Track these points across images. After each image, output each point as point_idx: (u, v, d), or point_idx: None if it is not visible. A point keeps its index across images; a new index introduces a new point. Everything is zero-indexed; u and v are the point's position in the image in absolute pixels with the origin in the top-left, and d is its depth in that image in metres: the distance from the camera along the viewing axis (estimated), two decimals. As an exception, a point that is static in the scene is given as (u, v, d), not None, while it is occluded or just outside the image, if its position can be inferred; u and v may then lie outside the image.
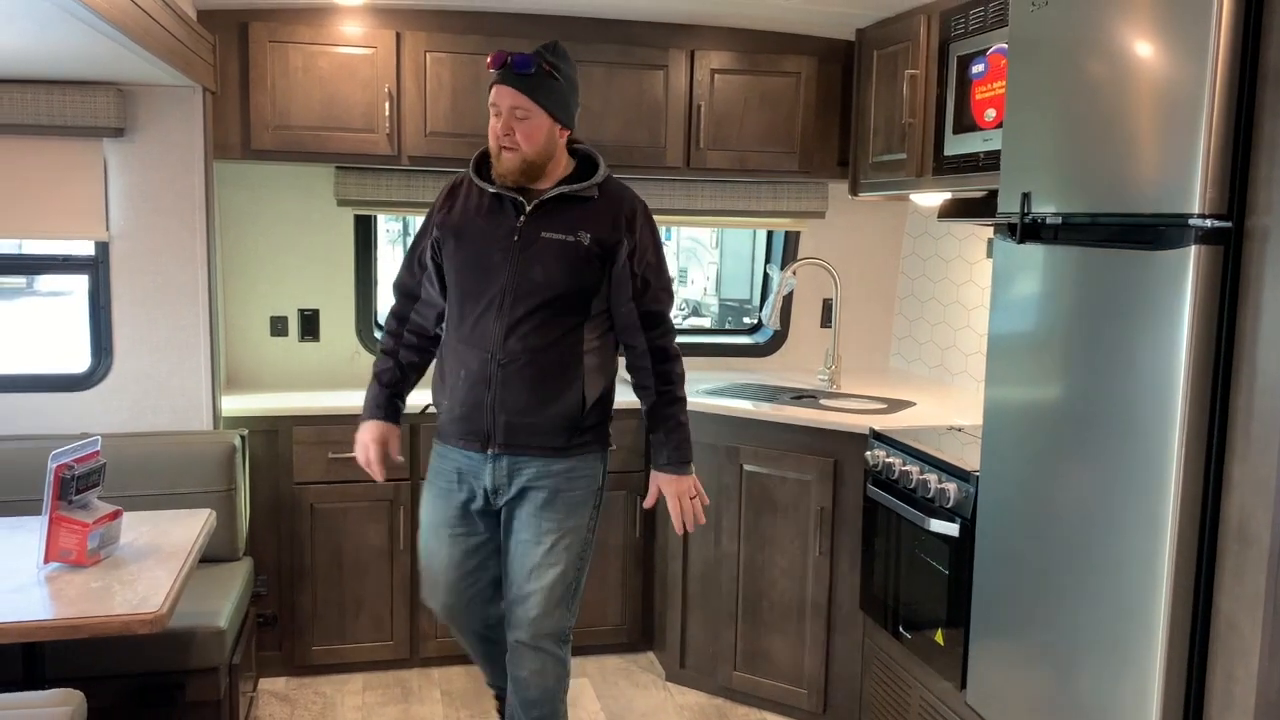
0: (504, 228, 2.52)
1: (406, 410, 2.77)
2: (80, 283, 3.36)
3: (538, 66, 2.45)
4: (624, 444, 3.69)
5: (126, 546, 2.47)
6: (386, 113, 3.45)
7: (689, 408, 3.44)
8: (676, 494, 2.63)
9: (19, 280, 13.55)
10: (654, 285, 2.60)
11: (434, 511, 2.67)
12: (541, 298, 2.48)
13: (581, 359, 2.54)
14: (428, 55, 3.48)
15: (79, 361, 3.40)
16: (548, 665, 2.60)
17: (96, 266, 3.31)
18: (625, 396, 3.75)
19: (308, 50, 3.41)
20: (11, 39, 2.44)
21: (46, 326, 10.87)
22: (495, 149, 2.50)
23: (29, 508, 2.86)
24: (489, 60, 2.49)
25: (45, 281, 13.01)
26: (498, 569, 2.67)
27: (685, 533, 2.67)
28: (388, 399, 2.69)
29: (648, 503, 2.69)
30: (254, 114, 3.41)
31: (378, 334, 3.93)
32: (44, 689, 2.16)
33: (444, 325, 2.66)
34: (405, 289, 2.72)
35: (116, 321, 3.31)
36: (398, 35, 3.45)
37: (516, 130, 2.45)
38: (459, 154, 3.36)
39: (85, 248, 3.32)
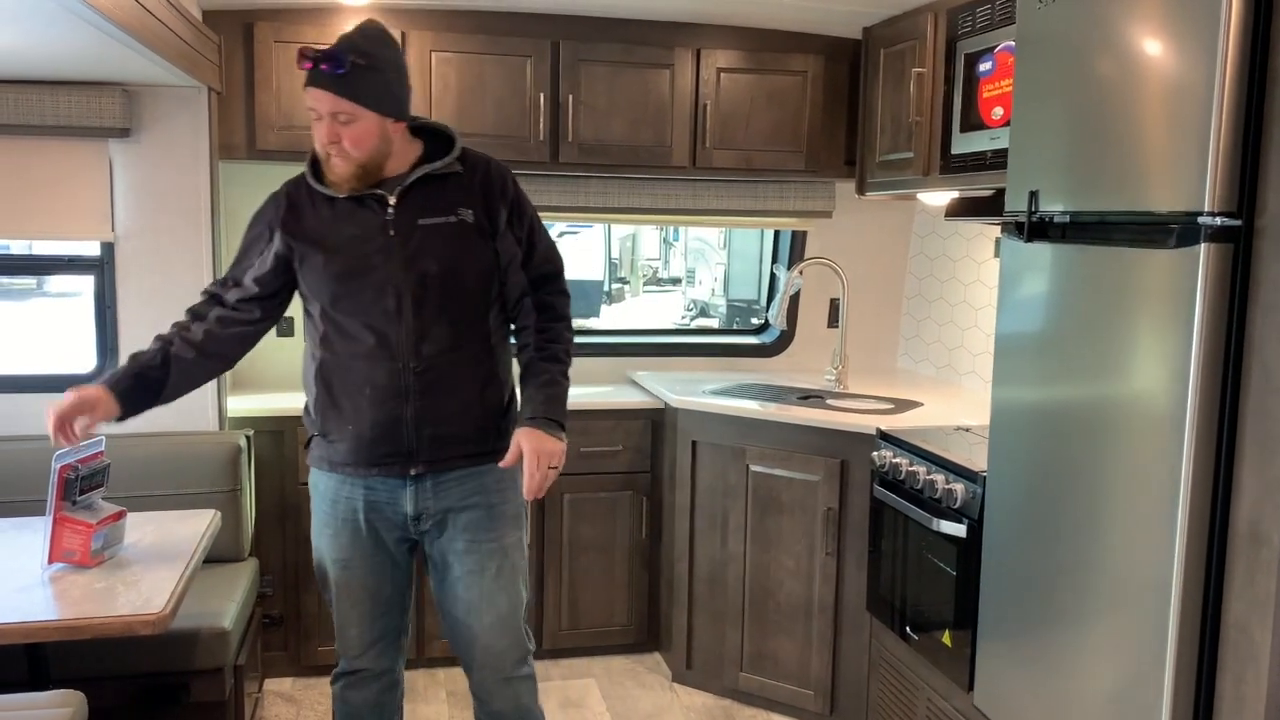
0: (373, 225, 2.23)
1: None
2: (86, 282, 3.36)
3: (351, 64, 2.14)
4: (630, 444, 3.69)
5: (131, 547, 2.47)
6: (392, 112, 3.44)
7: (692, 407, 3.47)
8: (536, 451, 2.18)
9: (29, 281, 13.62)
10: (540, 246, 2.36)
11: (337, 546, 2.36)
12: (443, 290, 2.23)
13: (493, 352, 2.33)
14: (433, 55, 3.48)
15: (86, 362, 3.41)
16: (521, 690, 2.42)
17: (102, 267, 3.31)
18: (632, 396, 3.78)
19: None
20: (17, 39, 2.44)
21: (55, 327, 10.90)
22: (324, 155, 2.22)
23: (35, 508, 2.85)
24: (297, 59, 2.20)
25: (55, 283, 13.08)
26: (410, 596, 2.46)
27: (538, 499, 2.35)
28: (126, 375, 2.26)
29: (505, 462, 2.22)
30: (259, 114, 3.41)
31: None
32: (48, 690, 2.16)
33: (311, 348, 2.35)
34: (215, 300, 2.38)
35: (122, 322, 3.31)
36: (403, 35, 3.44)
37: (343, 136, 2.17)
38: (464, 154, 3.36)
39: (91, 248, 3.33)
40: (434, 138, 2.34)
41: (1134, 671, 1.98)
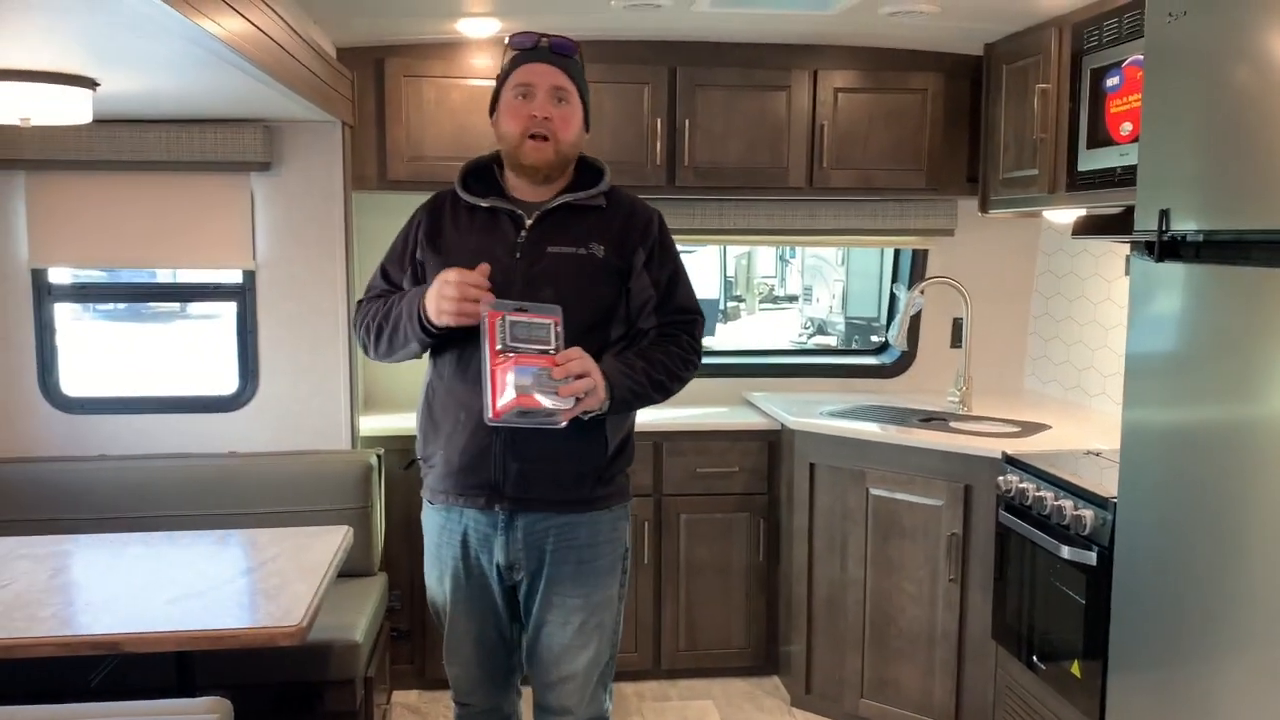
0: (503, 245, 2.18)
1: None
2: (227, 306, 3.55)
3: (578, 52, 2.16)
4: (747, 465, 3.69)
5: (275, 560, 2.58)
6: (514, 141, 3.54)
7: (810, 429, 3.45)
8: (585, 365, 2.03)
9: (173, 305, 14.36)
10: (678, 296, 2.25)
11: (442, 592, 2.34)
12: None
13: None
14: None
15: (226, 381, 3.59)
16: None
17: (244, 294, 3.49)
18: (748, 417, 3.78)
19: (440, 83, 3.54)
20: (170, 83, 2.61)
21: (197, 348, 11.47)
22: (519, 139, 2.15)
23: (181, 523, 3.03)
24: (513, 38, 2.17)
25: (196, 305, 13.76)
26: (518, 637, 2.36)
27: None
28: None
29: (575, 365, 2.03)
30: (390, 146, 3.55)
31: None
32: (195, 696, 2.28)
33: (426, 368, 2.33)
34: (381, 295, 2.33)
35: (262, 346, 3.48)
36: (525, 66, 3.54)
37: (555, 116, 2.13)
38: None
39: (233, 276, 3.51)
40: (587, 170, 2.29)
41: None
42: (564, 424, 2.05)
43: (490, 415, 2.03)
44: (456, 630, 2.34)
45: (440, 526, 2.31)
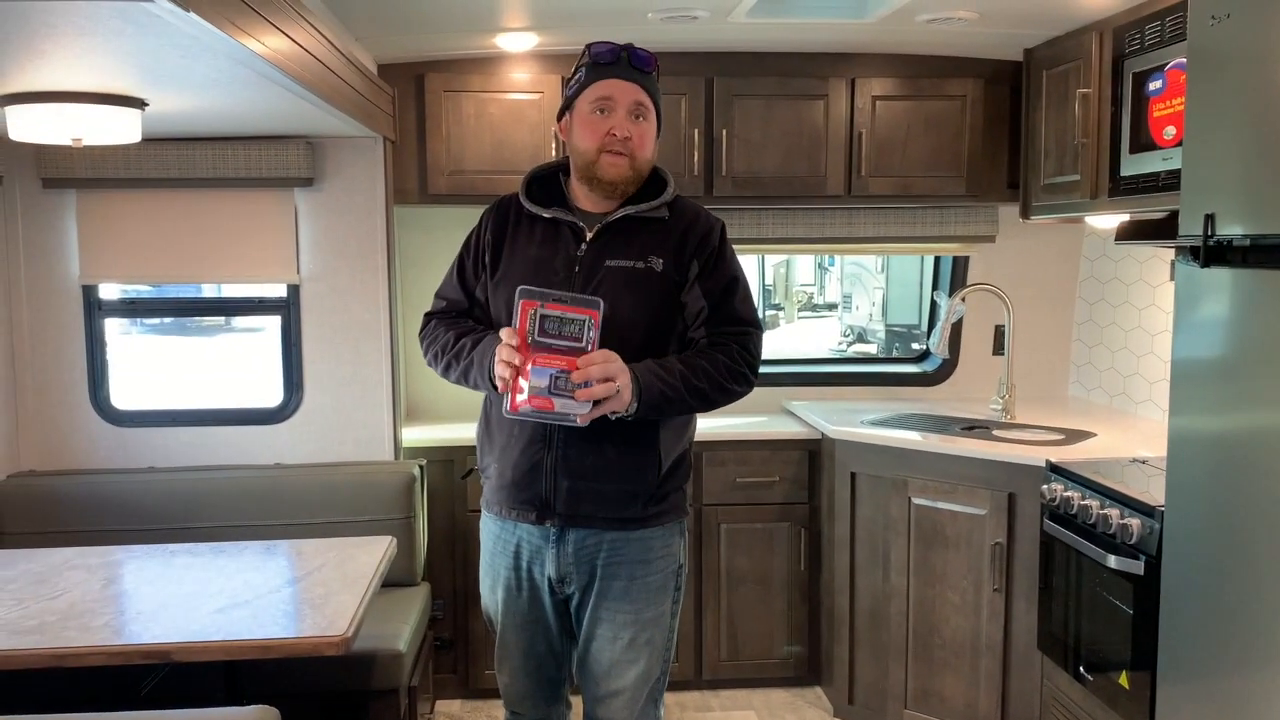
0: (561, 257, 2.16)
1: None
2: (272, 320, 3.61)
3: (655, 67, 2.13)
4: (787, 475, 3.67)
5: (320, 570, 2.61)
6: (552, 154, 3.57)
7: (850, 438, 3.44)
8: (607, 369, 1.99)
9: (218, 319, 14.60)
10: (733, 309, 2.19)
11: (494, 601, 2.33)
12: (610, 336, 2.04)
13: None
14: (591, 96, 3.59)
15: (271, 394, 3.64)
16: None
17: (288, 308, 3.54)
18: (788, 426, 3.77)
19: (479, 98, 3.57)
20: (217, 101, 2.66)
21: (241, 361, 11.62)
22: (595, 154, 2.12)
23: (228, 533, 3.08)
24: (592, 48, 2.13)
25: (240, 318, 13.99)
26: (569, 649, 2.34)
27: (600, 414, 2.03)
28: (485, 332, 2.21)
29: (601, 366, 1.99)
30: (430, 160, 3.59)
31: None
32: (242, 705, 2.31)
33: None
34: (452, 313, 2.33)
35: (306, 359, 3.53)
36: (563, 80, 3.56)
37: (634, 132, 2.11)
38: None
39: (278, 290, 3.56)
40: (652, 180, 2.23)
41: (1334, 722, 1.85)
42: (583, 424, 2.03)
43: (508, 409, 2.03)
44: (507, 640, 2.34)
45: (495, 536, 2.31)
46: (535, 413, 2.02)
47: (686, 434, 2.29)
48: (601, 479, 2.15)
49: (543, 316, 2.02)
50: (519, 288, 2.03)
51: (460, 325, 2.28)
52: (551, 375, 2.00)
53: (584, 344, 2.03)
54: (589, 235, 2.18)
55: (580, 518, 2.18)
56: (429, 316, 2.37)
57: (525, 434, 2.15)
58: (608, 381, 2.00)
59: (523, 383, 2.01)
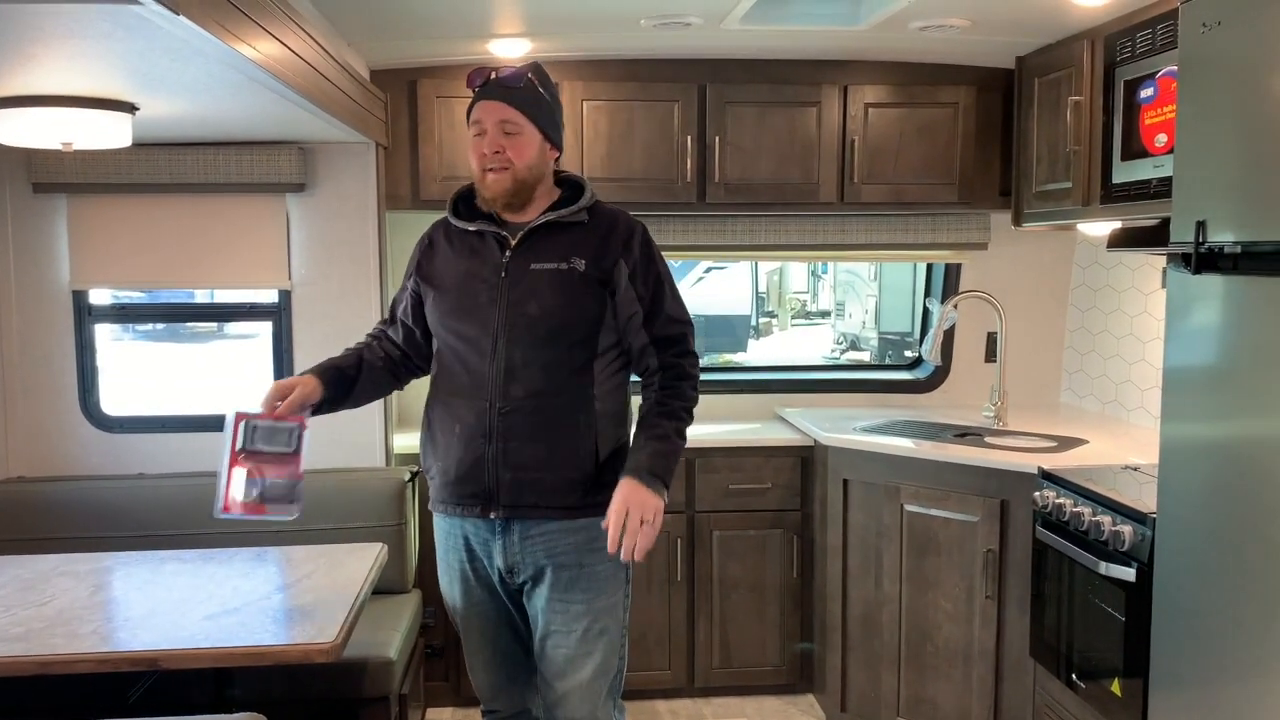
0: (489, 265, 2.31)
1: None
2: (263, 326, 3.59)
3: (525, 81, 2.28)
4: (780, 482, 3.67)
5: (310, 577, 2.60)
6: (545, 160, 3.56)
7: (843, 444, 3.44)
8: (626, 501, 2.15)
9: (210, 325, 14.57)
10: (665, 310, 2.34)
11: (452, 596, 2.43)
12: (541, 334, 2.25)
13: (592, 403, 2.29)
14: (584, 104, 3.59)
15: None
16: None
17: (280, 313, 3.53)
18: (780, 433, 3.77)
19: (472, 103, 3.56)
20: (207, 106, 2.66)
21: (234, 367, 11.59)
22: (479, 173, 2.29)
23: (218, 540, 3.05)
24: (468, 79, 2.31)
25: (233, 324, 13.96)
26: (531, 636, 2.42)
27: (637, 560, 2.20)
28: (321, 371, 2.38)
29: (608, 523, 2.17)
30: (422, 166, 3.59)
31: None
32: (231, 712, 2.30)
33: (431, 384, 2.42)
34: (386, 335, 2.53)
35: (298, 365, 3.51)
36: (556, 85, 3.56)
37: (506, 147, 2.25)
38: (615, 198, 3.42)
39: (269, 296, 3.55)
40: (571, 188, 2.40)
41: (1326, 730, 1.85)
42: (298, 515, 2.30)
43: (221, 508, 2.26)
44: (472, 636, 2.43)
45: (445, 533, 2.41)
46: (246, 516, 2.29)
47: (622, 426, 2.38)
48: (542, 469, 2.26)
49: (253, 428, 2.28)
50: (233, 409, 2.28)
51: (351, 348, 2.50)
52: (262, 484, 2.28)
53: (292, 450, 2.29)
54: (513, 243, 2.31)
55: (523, 507, 2.27)
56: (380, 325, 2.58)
57: (466, 431, 2.28)
58: (646, 527, 2.16)
59: (238, 488, 2.26)
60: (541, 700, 2.41)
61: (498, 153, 2.25)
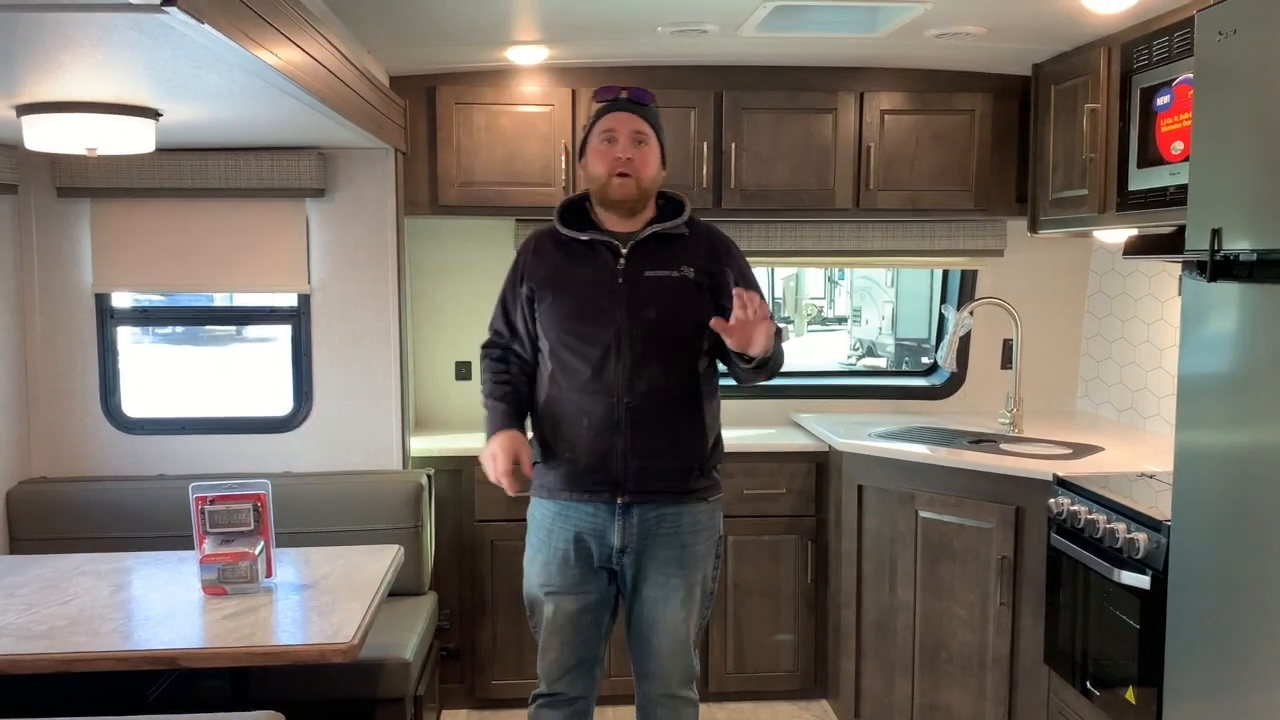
0: (605, 272, 2.49)
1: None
2: (283, 329, 3.63)
3: (653, 100, 2.54)
4: (794, 487, 3.68)
5: (328, 578, 2.62)
6: (563, 166, 3.59)
7: (858, 450, 3.46)
8: (762, 311, 2.30)
9: (229, 328, 14.68)
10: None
11: (547, 575, 2.56)
12: (660, 336, 2.47)
13: (700, 397, 2.53)
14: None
15: (281, 403, 3.66)
16: (683, 711, 2.62)
17: (299, 317, 3.56)
18: (795, 439, 3.77)
19: (490, 110, 3.60)
20: (230, 112, 2.69)
21: (252, 369, 11.67)
22: (606, 177, 2.46)
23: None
24: (598, 92, 2.56)
25: (252, 328, 14.06)
26: (608, 626, 2.63)
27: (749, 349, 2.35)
28: (515, 415, 2.56)
29: (739, 291, 2.32)
30: (441, 172, 3.62)
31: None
32: (249, 711, 2.32)
33: (541, 382, 2.57)
34: (499, 346, 2.67)
35: (316, 368, 3.55)
36: (573, 93, 3.59)
37: (635, 155, 2.46)
38: (631, 203, 3.47)
39: (289, 299, 3.58)
40: (667, 203, 2.59)
41: (1341, 739, 1.85)
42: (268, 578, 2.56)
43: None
44: (558, 617, 2.56)
45: (554, 517, 2.55)
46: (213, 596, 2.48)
47: (719, 415, 2.63)
48: (665, 457, 2.49)
49: (211, 512, 2.49)
50: (193, 491, 2.51)
51: (497, 374, 2.61)
52: (219, 569, 2.48)
53: (252, 528, 2.52)
54: (624, 251, 2.49)
55: (645, 493, 2.49)
56: (483, 349, 2.69)
57: (596, 424, 2.46)
58: (763, 320, 2.30)
59: (199, 570, 2.48)
60: (635, 656, 2.62)
61: (629, 159, 2.45)
